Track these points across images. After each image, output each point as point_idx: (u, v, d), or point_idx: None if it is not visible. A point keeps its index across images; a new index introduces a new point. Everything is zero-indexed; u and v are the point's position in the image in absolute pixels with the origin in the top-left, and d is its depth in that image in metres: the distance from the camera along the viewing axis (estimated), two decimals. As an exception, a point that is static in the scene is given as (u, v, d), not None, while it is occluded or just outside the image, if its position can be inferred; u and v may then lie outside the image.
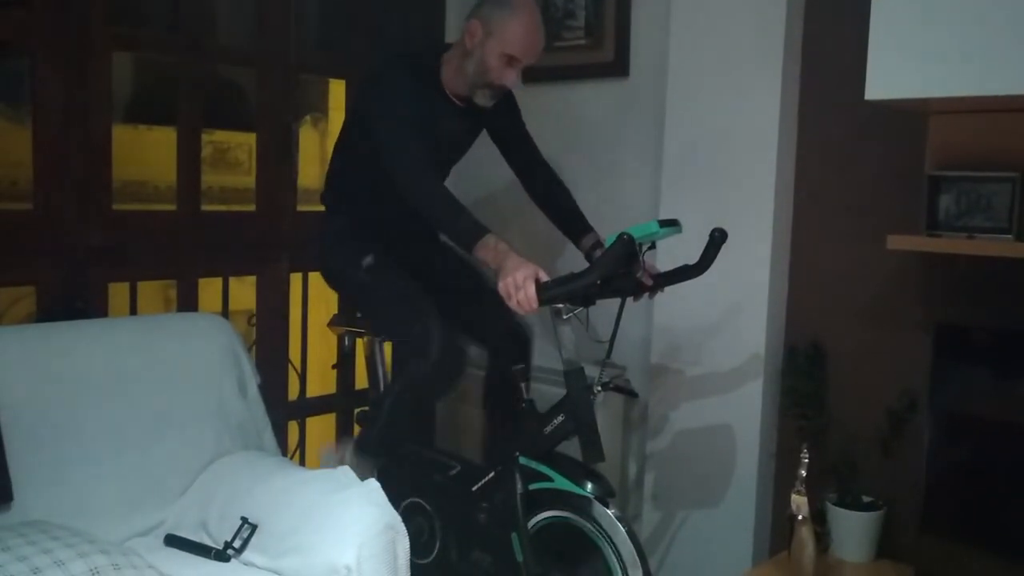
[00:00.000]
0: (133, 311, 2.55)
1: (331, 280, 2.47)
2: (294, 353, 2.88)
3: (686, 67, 2.48)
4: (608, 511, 1.99)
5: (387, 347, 2.56)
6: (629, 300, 2.14)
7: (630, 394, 2.35)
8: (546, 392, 2.46)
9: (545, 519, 2.11)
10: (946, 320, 2.06)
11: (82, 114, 2.28)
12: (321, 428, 3.13)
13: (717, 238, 2.07)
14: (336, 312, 2.86)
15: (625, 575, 1.97)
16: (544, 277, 1.89)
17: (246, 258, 2.71)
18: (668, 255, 2.27)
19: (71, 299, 2.29)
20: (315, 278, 2.79)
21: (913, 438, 2.13)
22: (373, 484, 1.95)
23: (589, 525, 2.02)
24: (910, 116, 2.09)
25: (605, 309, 2.10)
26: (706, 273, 2.11)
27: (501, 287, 1.89)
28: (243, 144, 6.49)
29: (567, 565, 2.14)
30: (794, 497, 2.02)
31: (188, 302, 2.59)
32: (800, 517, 2.02)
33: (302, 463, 2.92)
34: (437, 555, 2.34)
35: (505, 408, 2.47)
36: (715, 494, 2.47)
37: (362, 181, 2.34)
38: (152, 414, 2.13)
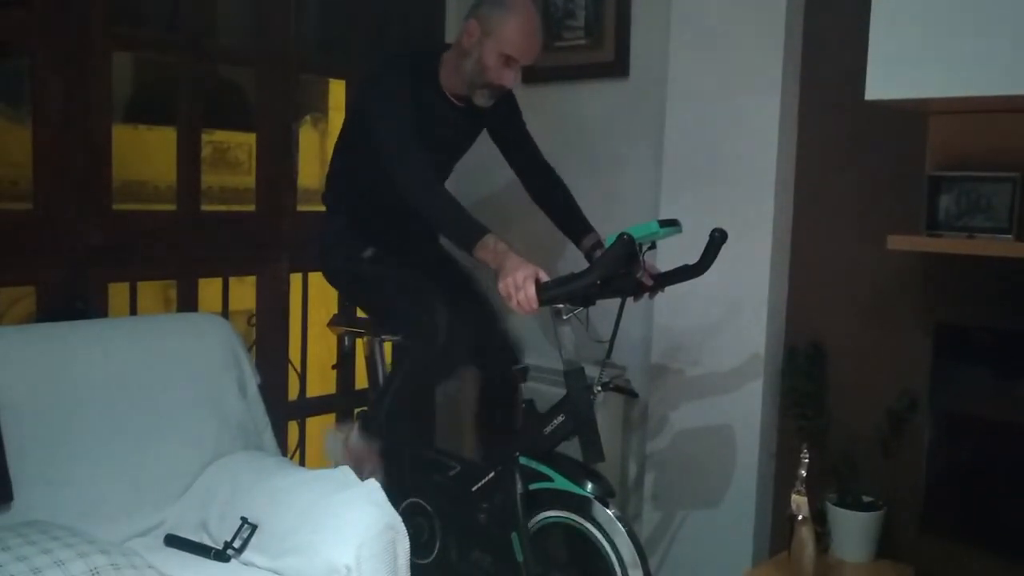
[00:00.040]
0: (133, 311, 2.55)
1: (332, 277, 2.47)
2: (294, 353, 2.88)
3: (686, 67, 2.48)
4: (608, 511, 1.99)
5: (387, 347, 2.56)
6: (629, 300, 2.14)
7: (630, 394, 2.35)
8: (546, 392, 2.46)
9: (545, 519, 2.10)
10: (946, 320, 2.06)
11: (82, 114, 2.28)
12: (321, 428, 3.13)
13: (717, 238, 2.07)
14: (336, 312, 2.86)
15: (625, 575, 1.97)
16: (544, 277, 1.89)
17: (246, 258, 2.71)
18: (668, 255, 2.27)
19: (71, 299, 2.29)
20: (315, 278, 2.79)
21: (913, 438, 2.13)
22: (373, 484, 1.95)
23: (589, 525, 2.02)
24: (910, 116, 2.09)
25: (605, 309, 2.10)
26: (706, 273, 2.11)
27: (501, 287, 1.89)
28: (243, 144, 6.49)
29: (567, 565, 2.14)
30: (794, 497, 2.02)
31: (188, 302, 2.59)
32: (800, 517, 2.02)
33: (302, 463, 2.92)
34: (437, 555, 2.34)
35: (497, 419, 2.49)
36: (715, 494, 2.47)
37: (362, 181, 2.34)
38: (152, 414, 2.13)
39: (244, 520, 1.96)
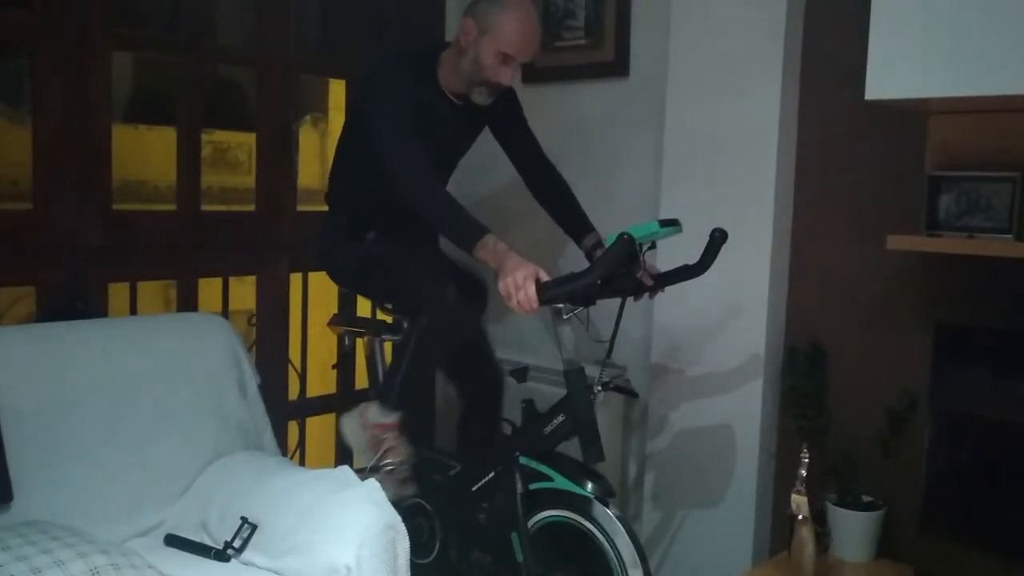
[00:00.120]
0: (133, 311, 2.55)
1: (335, 271, 2.46)
2: (294, 353, 2.88)
3: (686, 67, 2.48)
4: (608, 511, 1.99)
5: (387, 347, 2.56)
6: (629, 300, 2.14)
7: (630, 394, 2.35)
8: (546, 392, 2.46)
9: (545, 519, 2.11)
10: (946, 320, 2.06)
11: (82, 114, 2.28)
12: (321, 428, 3.13)
13: (717, 238, 2.07)
14: (336, 312, 2.86)
15: (625, 575, 1.97)
16: (544, 277, 1.89)
17: (246, 258, 2.71)
18: (668, 255, 2.27)
19: (71, 299, 2.29)
20: (315, 278, 2.79)
21: (913, 438, 2.13)
22: (373, 484, 1.95)
23: (589, 525, 2.02)
24: (910, 116, 2.09)
25: (605, 309, 2.11)
26: (706, 273, 2.11)
27: (501, 287, 1.89)
28: (243, 144, 6.49)
29: (567, 565, 2.14)
30: (794, 497, 2.02)
31: (188, 302, 2.59)
32: (800, 517, 2.02)
33: (302, 463, 2.92)
34: (437, 555, 2.34)
35: (478, 433, 2.49)
36: (715, 494, 2.47)
37: (364, 181, 2.34)
38: (152, 414, 2.13)
39: (244, 520, 1.96)
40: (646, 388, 2.62)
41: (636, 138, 2.71)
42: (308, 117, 6.76)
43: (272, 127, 2.72)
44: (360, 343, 2.59)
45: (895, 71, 1.85)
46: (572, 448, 2.06)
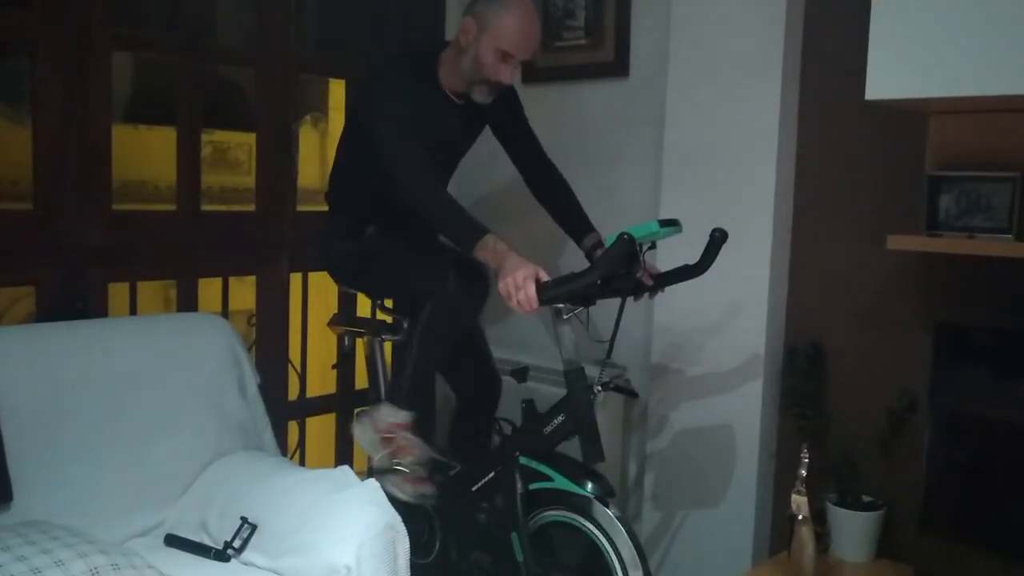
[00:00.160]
0: (133, 311, 2.55)
1: (335, 269, 2.46)
2: (294, 353, 2.88)
3: (686, 67, 2.48)
4: (608, 511, 1.99)
5: (387, 347, 2.56)
6: (629, 300, 2.14)
7: (630, 394, 2.35)
8: (546, 392, 2.46)
9: (545, 519, 2.11)
10: (946, 320, 2.06)
11: (82, 114, 2.28)
12: (321, 428, 3.13)
13: (717, 238, 2.07)
14: (336, 312, 2.86)
15: (625, 575, 1.97)
16: (544, 277, 1.89)
17: (246, 258, 2.71)
18: (668, 255, 2.27)
19: (71, 299, 2.29)
20: (315, 278, 2.79)
21: (913, 438, 2.13)
22: (373, 484, 1.95)
23: (589, 525, 2.02)
24: (910, 116, 2.09)
25: (605, 309, 2.11)
26: (706, 273, 2.11)
27: (501, 287, 1.89)
28: (243, 144, 6.48)
29: (567, 565, 2.14)
30: (794, 497, 2.02)
31: (188, 302, 2.59)
32: (800, 517, 2.02)
33: (302, 463, 2.92)
34: (437, 555, 2.34)
35: (473, 439, 2.49)
36: (715, 494, 2.47)
37: (364, 180, 2.34)
38: (152, 414, 2.13)
39: (244, 520, 1.96)
40: (646, 388, 2.62)
41: (636, 138, 2.71)
42: (308, 117, 6.75)
43: (272, 127, 2.72)
44: (360, 343, 2.59)
45: (895, 71, 1.85)
46: (572, 448, 2.06)
